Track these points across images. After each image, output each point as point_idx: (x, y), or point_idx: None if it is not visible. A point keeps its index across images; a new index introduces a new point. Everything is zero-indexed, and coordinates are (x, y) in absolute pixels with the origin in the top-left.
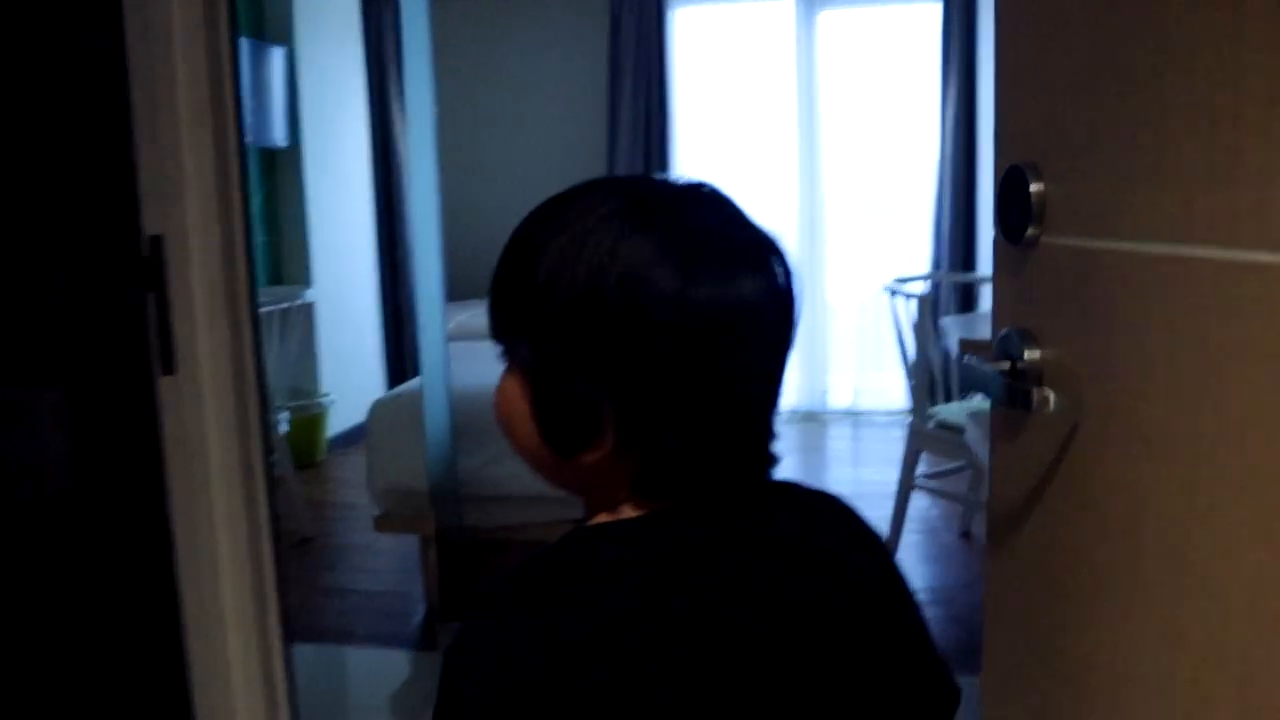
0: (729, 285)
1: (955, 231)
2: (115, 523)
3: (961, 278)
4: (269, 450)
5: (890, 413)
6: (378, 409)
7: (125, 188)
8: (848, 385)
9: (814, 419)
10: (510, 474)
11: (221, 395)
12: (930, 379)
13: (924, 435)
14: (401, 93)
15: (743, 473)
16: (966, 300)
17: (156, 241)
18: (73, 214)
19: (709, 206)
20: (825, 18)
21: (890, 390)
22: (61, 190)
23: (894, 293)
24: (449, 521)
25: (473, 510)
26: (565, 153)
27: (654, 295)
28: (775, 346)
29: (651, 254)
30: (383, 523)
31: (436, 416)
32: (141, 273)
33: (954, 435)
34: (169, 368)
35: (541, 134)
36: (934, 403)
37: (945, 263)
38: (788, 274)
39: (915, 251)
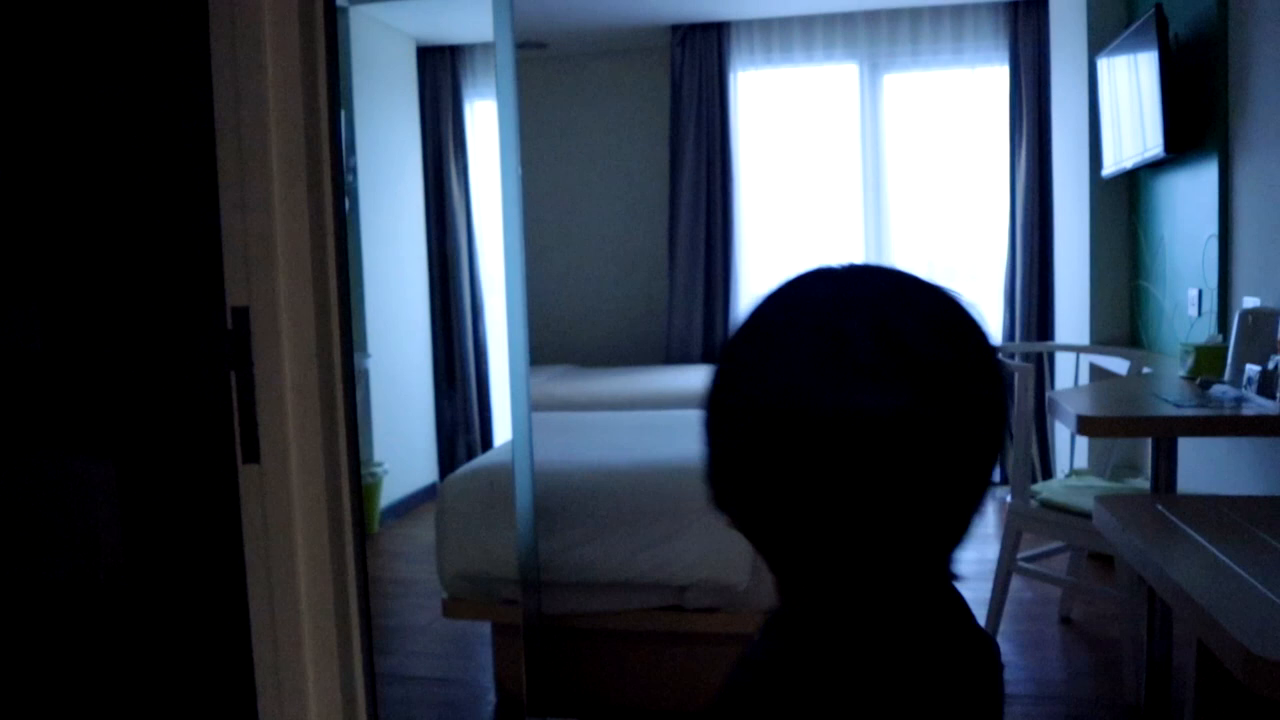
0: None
1: (1028, 298)
2: (182, 613)
3: (1039, 346)
4: (362, 546)
5: None
6: (449, 487)
7: (208, 255)
8: None
9: None
10: (596, 557)
11: (311, 488)
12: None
13: (1026, 515)
14: (459, 157)
15: (861, 588)
16: (1039, 370)
17: (241, 314)
18: (151, 282)
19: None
20: (891, 80)
21: None
22: (140, 256)
23: None
24: (529, 607)
25: (553, 596)
26: (628, 215)
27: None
28: (894, 469)
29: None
30: (454, 608)
31: (524, 496)
32: (224, 348)
33: (1059, 515)
34: (252, 455)
35: (603, 197)
36: (1033, 480)
37: (1019, 332)
38: (931, 395)
39: (988, 320)
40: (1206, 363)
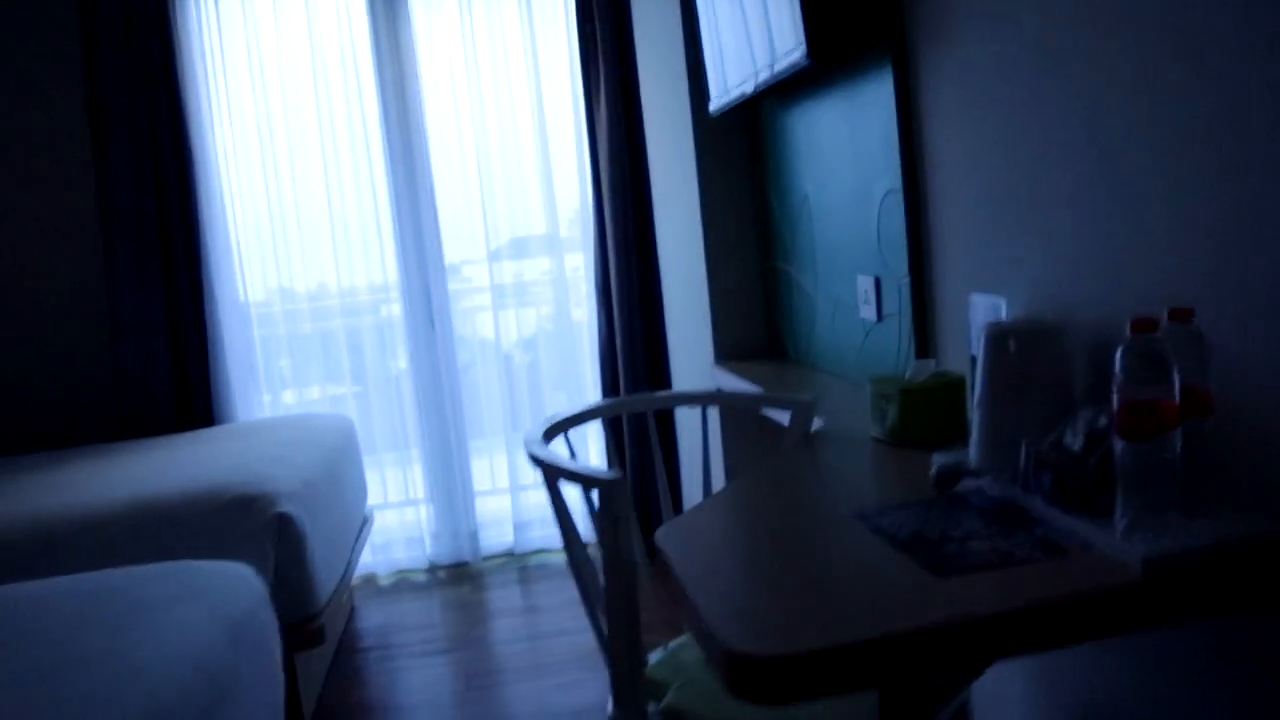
0: None
1: (626, 287)
2: None
3: (642, 400)
4: None
5: None
6: None
7: None
8: None
9: None
10: None
11: None
12: None
13: None
14: None
15: None
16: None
17: None
18: None
19: None
20: (417, 4)
21: None
22: None
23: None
24: None
25: None
26: (38, 219)
27: None
28: None
29: None
30: None
31: None
32: None
33: None
34: None
35: None
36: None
37: (619, 341)
38: None
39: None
40: (918, 417)
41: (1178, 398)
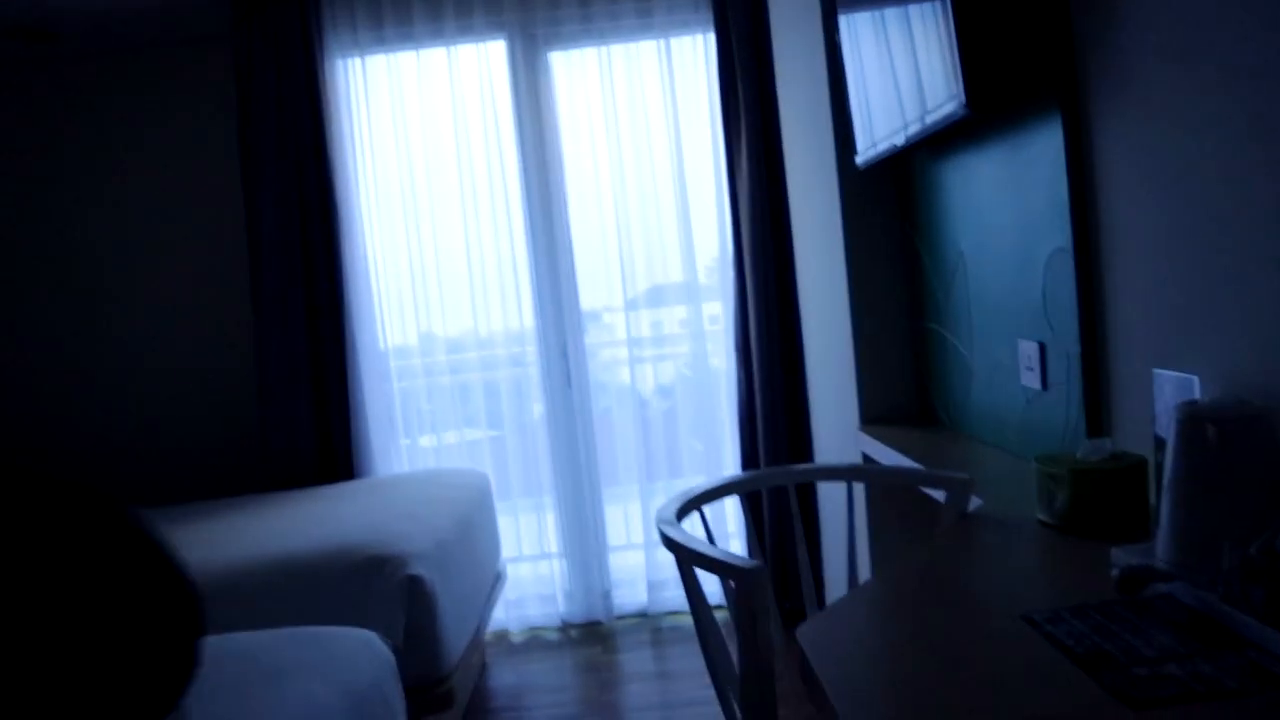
0: None
1: (765, 345)
2: None
3: (780, 473)
4: None
5: None
6: None
7: None
8: None
9: None
10: None
11: None
12: None
13: None
14: None
15: None
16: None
17: None
18: None
19: None
20: (558, 59)
21: None
22: None
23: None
24: None
25: None
26: (199, 267)
27: None
28: None
29: None
30: None
31: None
32: None
33: None
34: None
35: (167, 248)
36: None
37: (759, 398)
38: None
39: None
40: (1092, 502)
41: None
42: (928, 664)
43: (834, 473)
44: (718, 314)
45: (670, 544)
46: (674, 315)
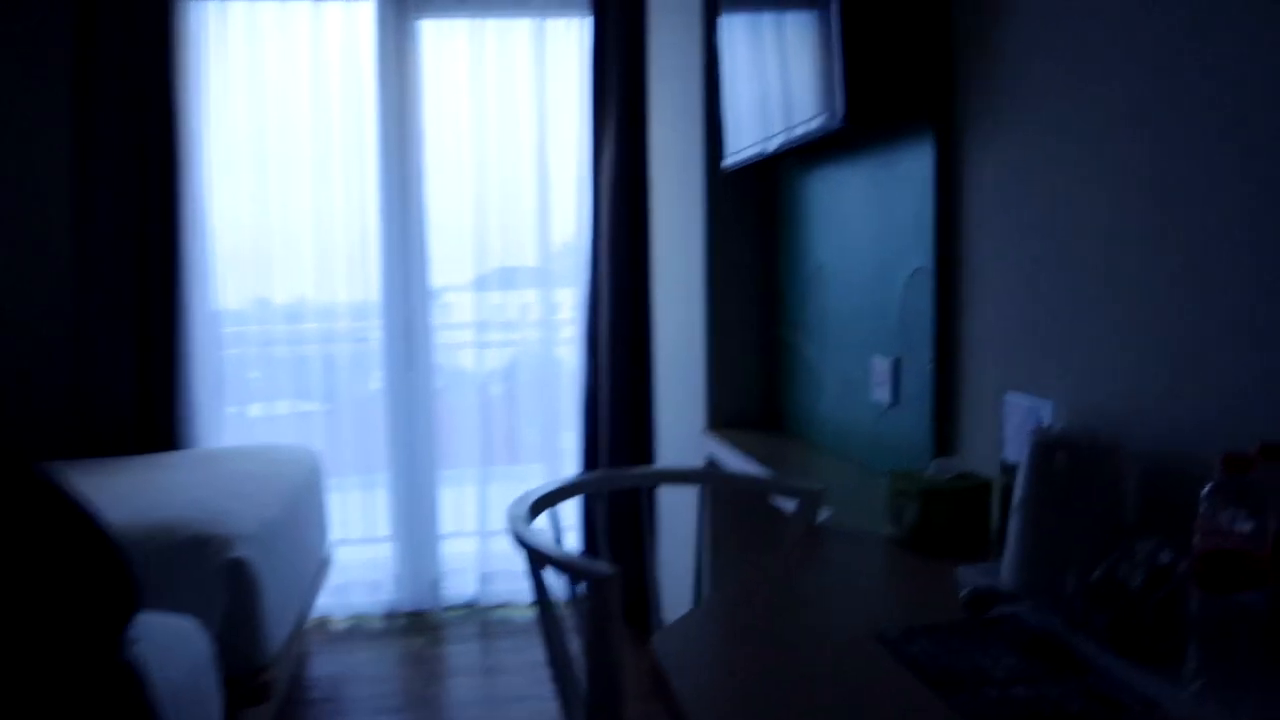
0: None
1: (616, 337)
2: None
3: (629, 474)
4: None
5: None
6: None
7: None
8: None
9: None
10: None
11: None
12: None
13: None
14: None
15: None
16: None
17: None
18: None
19: None
20: (429, 28)
21: None
22: None
23: None
24: None
25: None
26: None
27: None
28: None
29: None
30: None
31: None
32: None
33: None
34: None
35: None
36: None
37: (604, 388)
38: None
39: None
40: (940, 520)
41: (1270, 547)
42: (785, 680)
43: (684, 476)
44: (568, 301)
45: (523, 544)
46: (523, 299)
